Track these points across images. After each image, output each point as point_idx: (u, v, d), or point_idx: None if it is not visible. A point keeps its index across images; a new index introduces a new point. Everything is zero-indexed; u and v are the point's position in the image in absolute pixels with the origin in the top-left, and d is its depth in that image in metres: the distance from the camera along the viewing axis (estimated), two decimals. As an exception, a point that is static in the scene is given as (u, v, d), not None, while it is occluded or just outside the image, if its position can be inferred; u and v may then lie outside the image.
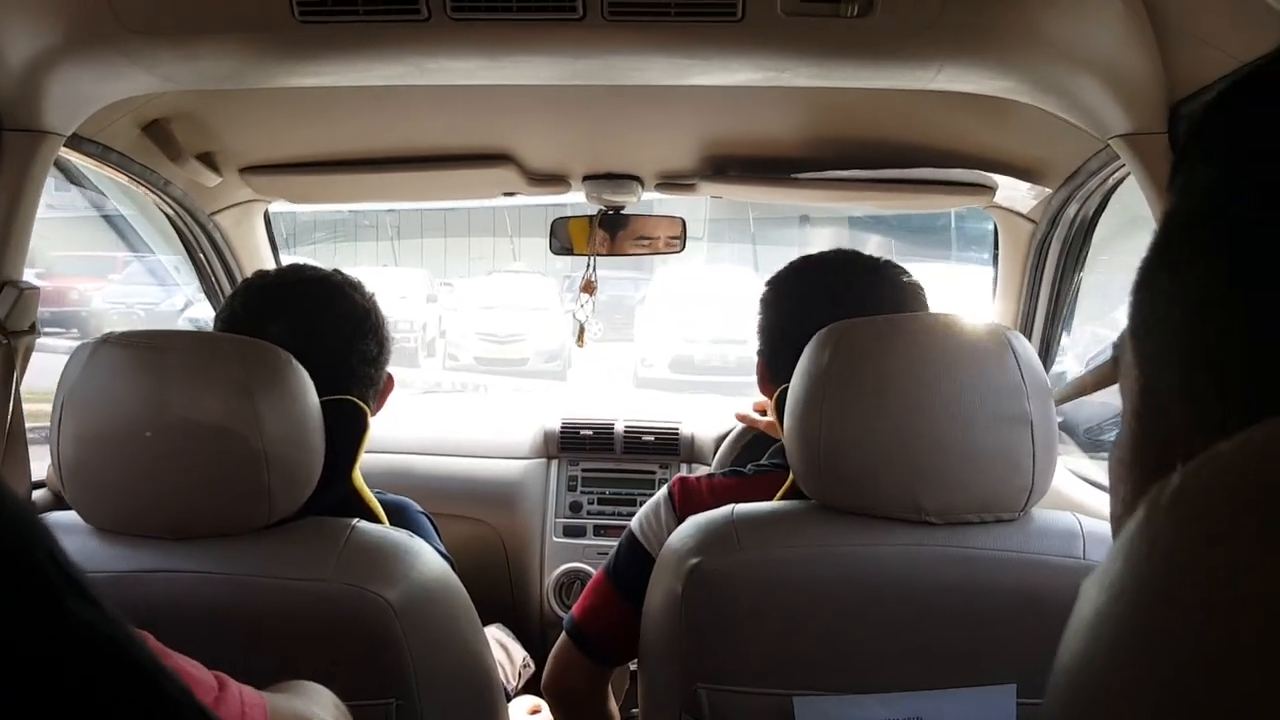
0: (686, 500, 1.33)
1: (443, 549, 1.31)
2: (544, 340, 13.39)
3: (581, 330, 2.23)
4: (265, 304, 1.30)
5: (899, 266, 1.41)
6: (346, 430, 1.21)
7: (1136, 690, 0.24)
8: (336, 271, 1.38)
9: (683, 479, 1.39)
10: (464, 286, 15.86)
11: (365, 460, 1.26)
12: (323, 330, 1.28)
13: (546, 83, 1.36)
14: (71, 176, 2.01)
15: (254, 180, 1.92)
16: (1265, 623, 0.21)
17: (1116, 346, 0.41)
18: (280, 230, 2.29)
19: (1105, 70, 1.18)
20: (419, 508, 1.39)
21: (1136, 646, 0.24)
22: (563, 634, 1.42)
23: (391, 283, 14.37)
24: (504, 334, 13.56)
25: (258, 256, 2.18)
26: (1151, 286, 0.38)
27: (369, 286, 1.39)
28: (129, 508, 1.08)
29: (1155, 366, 0.37)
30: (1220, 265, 0.34)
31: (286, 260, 2.05)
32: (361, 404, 1.24)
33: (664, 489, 1.40)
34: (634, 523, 1.41)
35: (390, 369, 1.39)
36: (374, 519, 1.21)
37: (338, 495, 1.20)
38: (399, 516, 1.32)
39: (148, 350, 1.08)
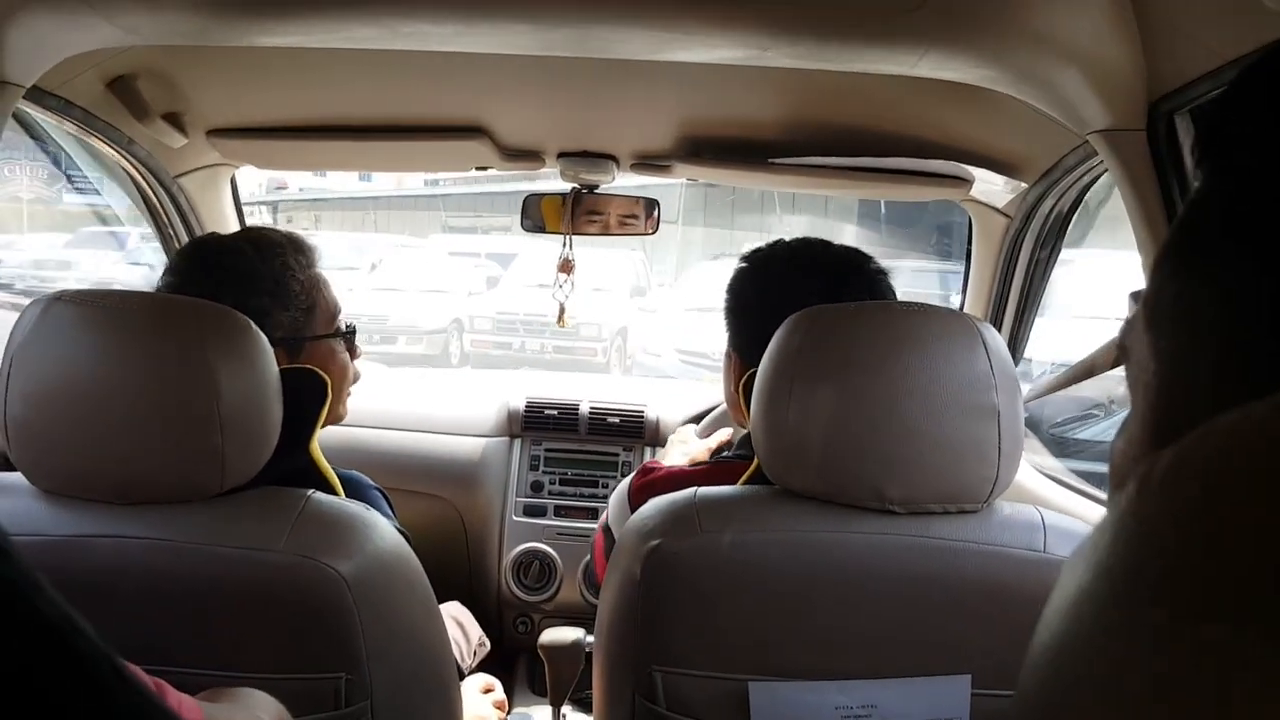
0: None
1: (398, 525, 1.30)
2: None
3: (561, 311, 2.21)
4: (194, 268, 1.31)
5: (868, 255, 1.41)
6: (306, 399, 1.19)
7: (1120, 672, 0.22)
8: (275, 230, 1.37)
9: (647, 469, 1.39)
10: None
11: (322, 433, 1.24)
12: (244, 290, 1.28)
13: (524, 52, 1.34)
14: (32, 132, 1.96)
15: (221, 143, 1.88)
16: (1255, 605, 0.20)
17: (1125, 334, 0.38)
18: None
19: (1087, 63, 1.17)
20: (372, 482, 1.37)
21: (1122, 628, 0.23)
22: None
23: (592, 268, 10.53)
24: (716, 354, 7.82)
25: (224, 223, 2.14)
26: (1179, 274, 0.35)
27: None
28: (77, 470, 1.05)
29: (1180, 363, 0.35)
30: (1268, 255, 0.31)
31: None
32: (323, 374, 1.22)
33: (625, 483, 1.40)
34: (606, 516, 1.47)
35: None
36: (331, 491, 1.19)
37: (294, 465, 1.18)
38: (351, 490, 1.30)
39: (102, 309, 1.05)
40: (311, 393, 1.20)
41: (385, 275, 12.17)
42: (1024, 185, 1.73)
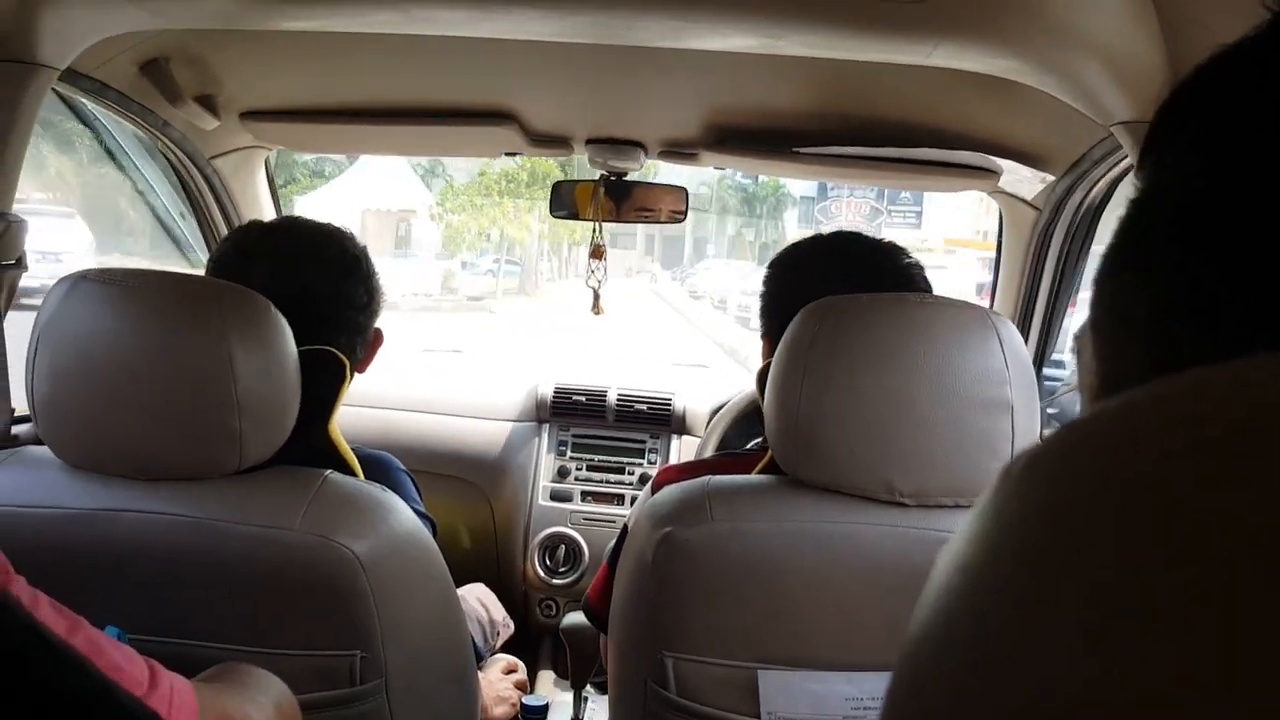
0: None
1: (423, 509, 1.31)
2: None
3: (596, 298, 2.21)
4: (254, 246, 1.31)
5: (901, 247, 1.39)
6: (324, 380, 1.20)
7: (967, 665, 0.23)
8: (331, 224, 1.38)
9: (667, 470, 1.39)
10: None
11: (353, 414, 1.26)
12: (309, 273, 1.28)
13: (541, 38, 1.34)
14: (82, 118, 1.99)
15: (253, 126, 1.90)
16: (1089, 610, 0.20)
17: (1077, 339, 0.39)
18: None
19: (1107, 54, 1.16)
20: (400, 465, 1.38)
21: (971, 625, 0.23)
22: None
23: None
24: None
25: (257, 204, 2.17)
26: (1118, 277, 0.36)
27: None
28: (100, 446, 1.08)
29: (1117, 361, 0.35)
30: (1193, 259, 0.32)
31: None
32: (340, 355, 1.23)
33: (648, 486, 1.40)
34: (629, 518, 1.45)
35: None
36: (348, 472, 1.21)
37: (313, 446, 1.19)
38: (379, 471, 1.31)
39: (125, 288, 1.07)
40: (328, 373, 1.21)
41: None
42: (1052, 177, 1.71)
